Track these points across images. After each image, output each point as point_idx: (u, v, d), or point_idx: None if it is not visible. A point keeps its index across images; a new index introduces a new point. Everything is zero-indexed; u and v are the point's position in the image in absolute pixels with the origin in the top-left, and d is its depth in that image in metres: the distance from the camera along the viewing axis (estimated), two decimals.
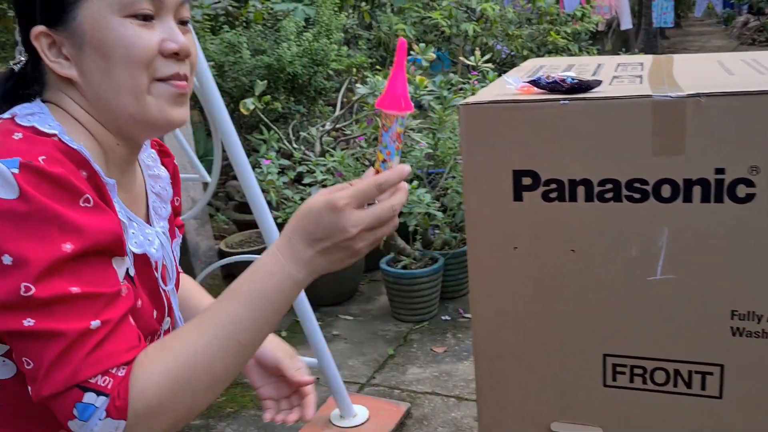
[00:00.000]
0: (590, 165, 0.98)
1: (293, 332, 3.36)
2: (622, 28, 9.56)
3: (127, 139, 0.88)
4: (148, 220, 0.95)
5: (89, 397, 0.72)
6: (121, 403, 0.72)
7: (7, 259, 0.71)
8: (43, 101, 0.86)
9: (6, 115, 0.82)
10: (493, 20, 5.09)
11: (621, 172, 0.97)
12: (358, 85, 3.28)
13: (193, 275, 3.34)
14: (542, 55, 5.38)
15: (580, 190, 1.00)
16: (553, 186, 1.01)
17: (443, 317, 3.34)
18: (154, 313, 0.89)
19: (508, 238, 1.06)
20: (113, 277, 0.78)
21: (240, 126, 4.66)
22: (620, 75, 1.13)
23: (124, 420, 0.73)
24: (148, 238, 0.91)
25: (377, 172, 0.83)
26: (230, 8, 4.88)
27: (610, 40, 10.16)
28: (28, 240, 0.71)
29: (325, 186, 3.08)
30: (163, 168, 1.04)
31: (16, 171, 0.72)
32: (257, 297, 0.80)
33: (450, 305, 3.46)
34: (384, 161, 0.84)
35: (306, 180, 3.11)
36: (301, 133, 4.07)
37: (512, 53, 5.36)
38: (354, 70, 4.71)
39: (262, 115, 3.73)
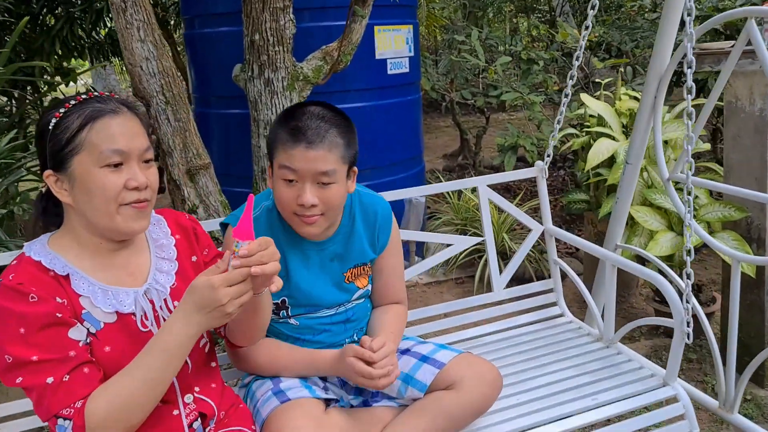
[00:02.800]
0: None
1: None
2: None
3: (108, 239, 1.39)
4: (142, 281, 1.43)
5: (61, 422, 1.24)
6: (80, 424, 1.23)
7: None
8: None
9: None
10: None
11: None
12: None
13: None
14: None
15: None
16: None
17: None
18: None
19: None
20: (65, 344, 1.27)
21: None
22: None
23: None
24: (120, 299, 1.38)
25: (233, 252, 1.26)
26: None
27: None
28: (1, 329, 1.26)
29: None
30: (171, 237, 1.52)
31: None
32: (165, 351, 1.27)
33: None
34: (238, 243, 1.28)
35: None
36: None
37: None
38: None
39: None
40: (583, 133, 3.63)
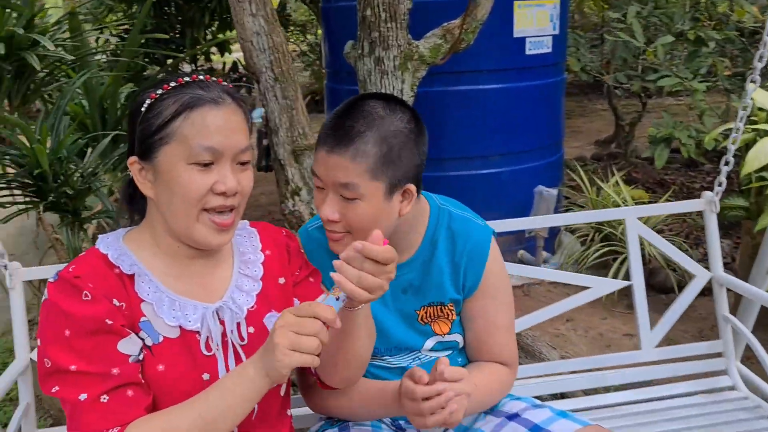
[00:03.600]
0: None
1: None
2: None
3: (186, 245, 1.21)
4: (216, 298, 1.24)
5: None
6: None
7: (39, 342, 1.12)
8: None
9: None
10: None
11: None
12: None
13: None
14: None
15: None
16: None
17: None
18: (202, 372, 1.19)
19: None
20: (111, 358, 1.10)
21: None
22: None
23: None
24: (186, 313, 1.19)
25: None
26: None
27: None
28: (47, 326, 1.11)
29: None
30: (260, 254, 1.32)
31: (53, 280, 1.14)
32: (229, 399, 1.08)
33: None
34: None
35: None
36: None
37: None
38: None
39: None
40: (750, 129, 3.13)
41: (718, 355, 1.95)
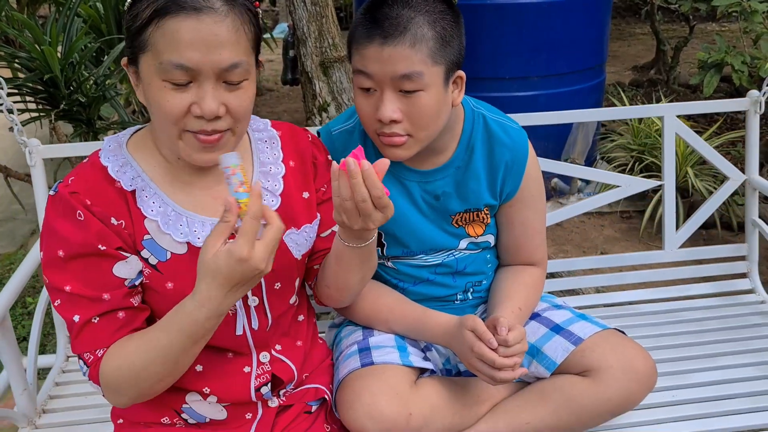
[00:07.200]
0: None
1: None
2: None
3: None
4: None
5: (81, 363, 1.11)
6: (94, 374, 1.09)
7: (41, 257, 1.10)
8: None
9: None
10: None
11: None
12: None
13: None
14: None
15: None
16: None
17: None
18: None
19: None
20: (104, 282, 1.07)
21: None
22: None
23: (97, 384, 1.11)
24: (195, 228, 1.11)
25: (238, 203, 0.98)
26: None
27: None
28: (44, 245, 1.08)
29: None
30: (281, 165, 1.21)
31: (52, 193, 1.09)
32: (176, 329, 1.03)
33: None
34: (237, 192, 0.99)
35: None
36: None
37: None
38: None
39: None
40: None
41: (742, 258, 1.93)
